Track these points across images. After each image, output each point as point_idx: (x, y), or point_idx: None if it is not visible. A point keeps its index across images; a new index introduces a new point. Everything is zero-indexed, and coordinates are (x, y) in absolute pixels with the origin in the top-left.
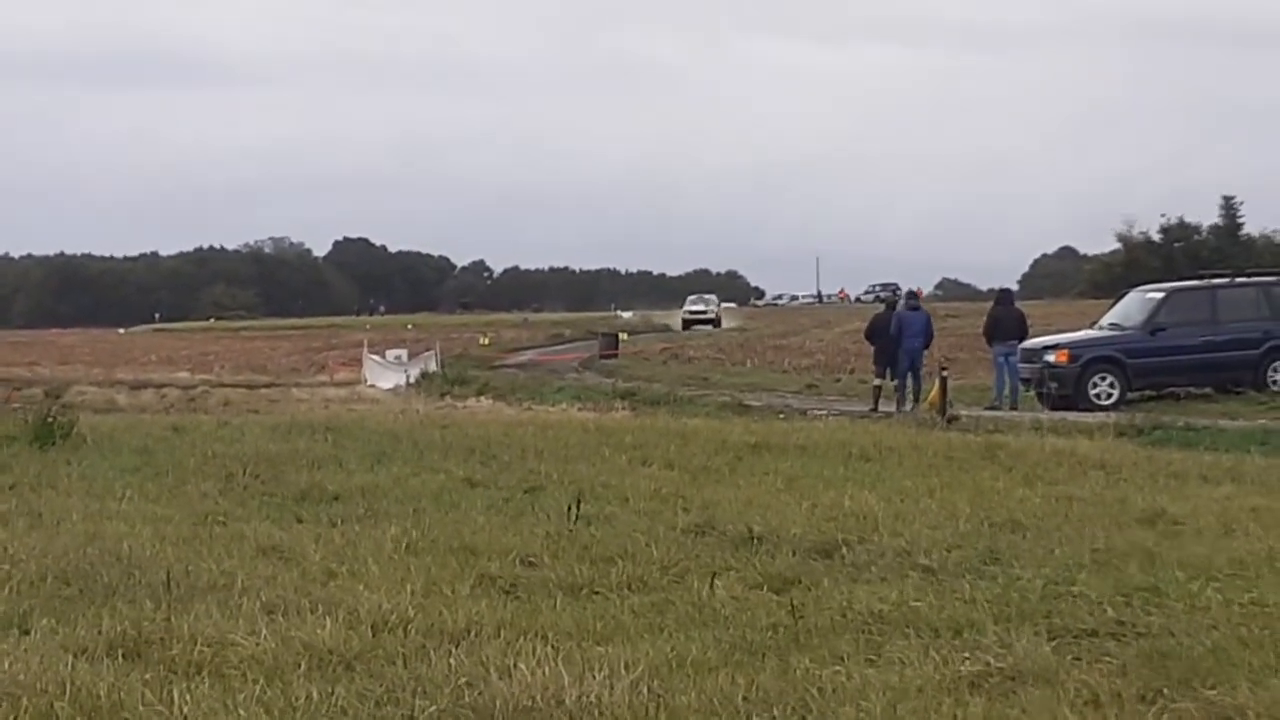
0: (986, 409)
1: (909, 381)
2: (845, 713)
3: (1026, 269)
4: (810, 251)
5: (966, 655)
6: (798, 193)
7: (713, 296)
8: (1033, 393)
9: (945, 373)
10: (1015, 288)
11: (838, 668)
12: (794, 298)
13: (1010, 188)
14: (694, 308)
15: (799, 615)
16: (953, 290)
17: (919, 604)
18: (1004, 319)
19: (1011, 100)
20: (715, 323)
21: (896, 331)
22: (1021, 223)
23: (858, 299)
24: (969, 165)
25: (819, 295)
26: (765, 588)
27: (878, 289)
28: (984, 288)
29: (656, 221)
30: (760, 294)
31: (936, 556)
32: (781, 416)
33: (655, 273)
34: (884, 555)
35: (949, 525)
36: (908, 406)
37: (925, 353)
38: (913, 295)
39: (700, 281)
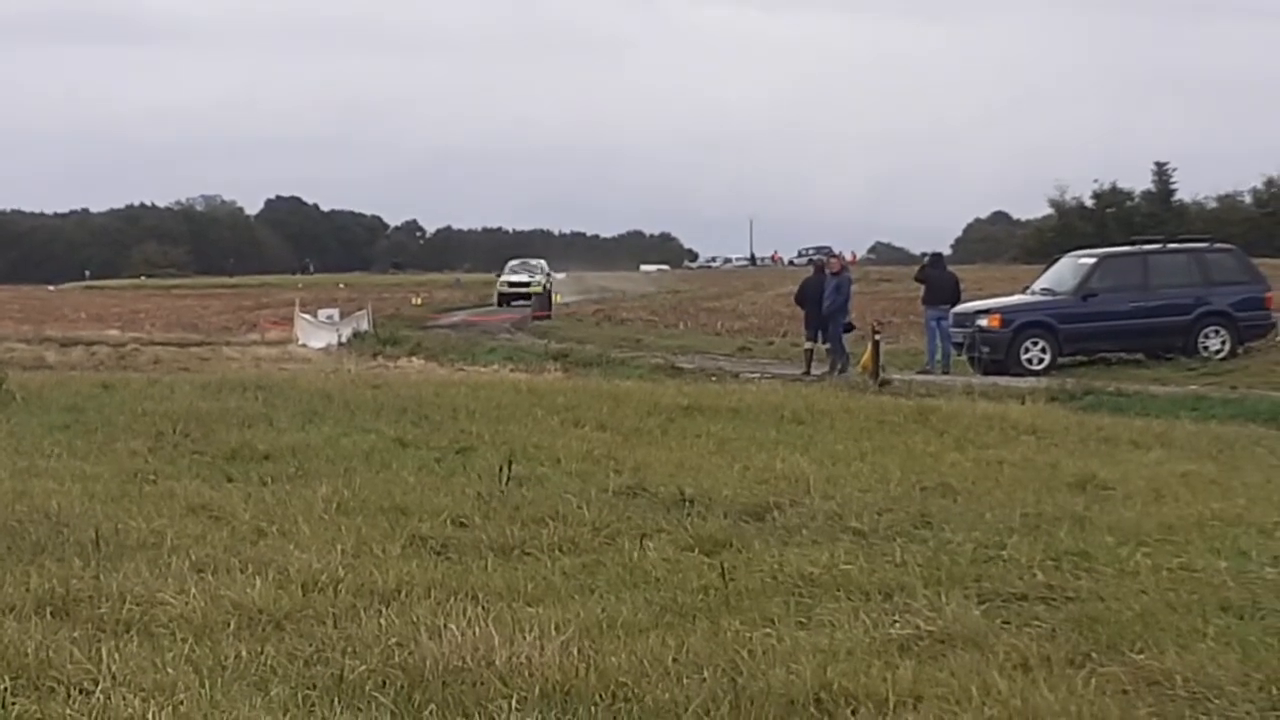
0: (918, 373)
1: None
2: (775, 675)
3: (959, 233)
4: (744, 214)
5: (896, 618)
6: (733, 157)
7: (540, 263)
8: (965, 357)
9: (878, 336)
10: (949, 252)
11: (768, 630)
12: (727, 260)
13: (944, 153)
14: (514, 277)
15: (730, 578)
16: (886, 254)
17: (850, 567)
18: (937, 282)
19: (946, 66)
20: (543, 300)
21: (846, 297)
22: (955, 187)
23: (791, 262)
24: (903, 130)
25: (752, 258)
26: (696, 550)
27: (810, 252)
28: (917, 251)
29: (592, 184)
30: (694, 256)
31: (868, 520)
32: (714, 379)
33: (589, 234)
34: (815, 518)
35: (880, 489)
36: (841, 371)
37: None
38: (827, 261)
39: (635, 244)
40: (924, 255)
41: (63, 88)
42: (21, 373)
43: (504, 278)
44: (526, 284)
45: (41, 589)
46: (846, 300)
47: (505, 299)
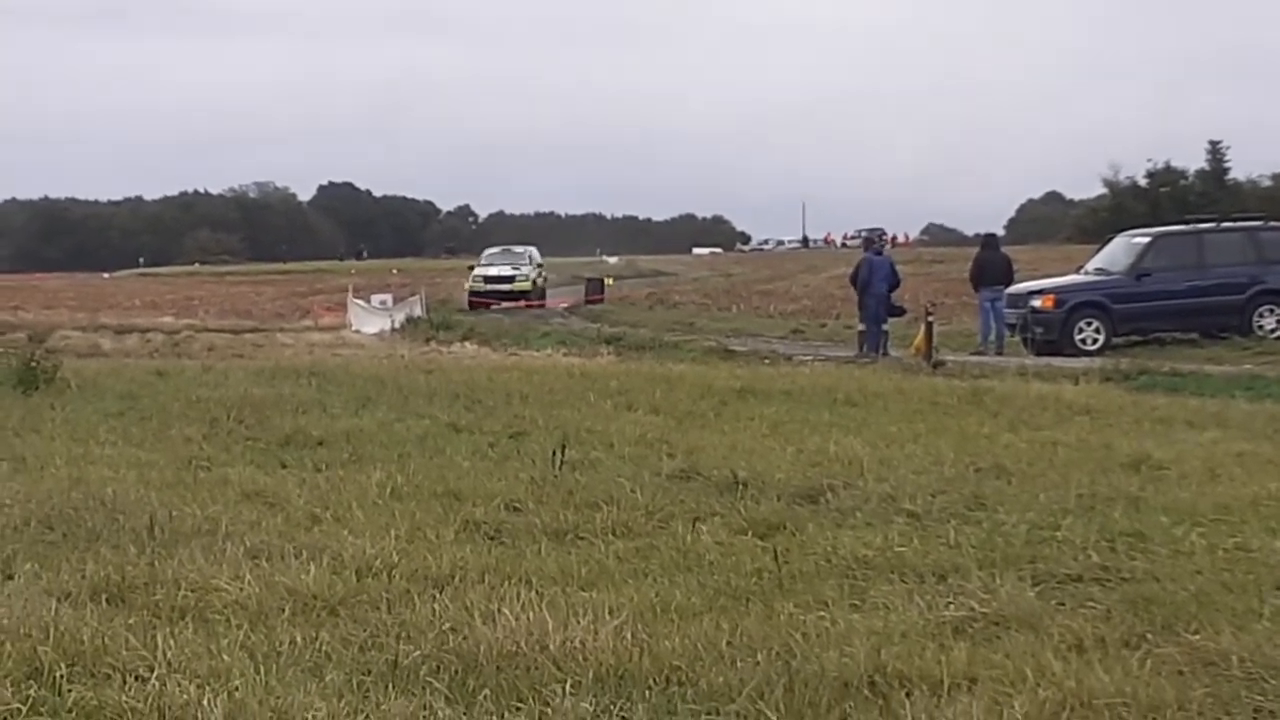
0: (972, 354)
1: (878, 326)
2: (829, 657)
3: (1013, 214)
4: (797, 197)
5: (950, 600)
6: (784, 138)
7: (529, 250)
8: (1018, 338)
9: (931, 318)
10: (1001, 233)
11: (822, 613)
12: (780, 243)
13: (997, 133)
14: (490, 269)
15: (783, 560)
16: (939, 235)
17: (904, 549)
18: (990, 264)
19: (998, 46)
20: (531, 294)
21: (867, 277)
22: (1008, 168)
23: (844, 244)
24: (956, 111)
25: (805, 240)
26: (750, 533)
27: (864, 234)
28: (970, 233)
29: (643, 167)
30: (746, 239)
31: (921, 502)
32: (767, 362)
33: (641, 218)
34: (869, 501)
35: (934, 471)
36: (879, 352)
37: (894, 296)
38: (872, 241)
39: (687, 227)
40: (977, 236)
41: (115, 76)
42: (76, 360)
43: (478, 270)
44: (509, 278)
45: (97, 576)
46: (882, 281)
47: (479, 299)
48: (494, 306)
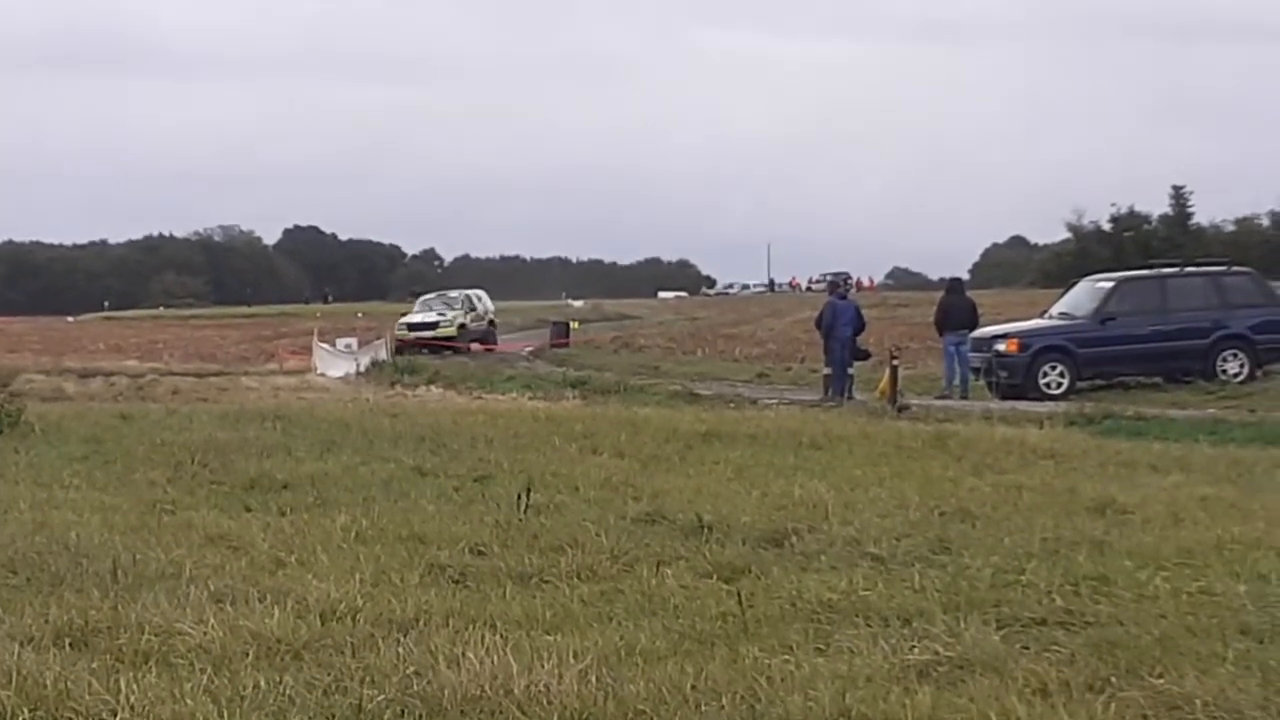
0: (937, 398)
1: (843, 371)
2: (794, 701)
3: (977, 258)
4: (762, 240)
5: (915, 644)
6: (750, 182)
7: (465, 295)
8: (983, 382)
9: (896, 362)
10: (966, 277)
11: (787, 657)
12: (745, 286)
13: (961, 178)
14: (415, 317)
15: (748, 604)
16: (904, 279)
17: (868, 593)
18: (955, 308)
19: (962, 91)
20: (459, 338)
21: (831, 322)
22: (972, 212)
23: (809, 288)
24: (920, 155)
25: (771, 284)
26: (715, 576)
27: (829, 278)
28: (935, 276)
29: (609, 211)
30: (712, 283)
31: (886, 545)
32: (732, 405)
33: (607, 261)
34: (834, 544)
35: (899, 514)
36: (844, 396)
37: (859, 340)
38: (837, 285)
39: (652, 270)
40: (942, 280)
41: (80, 118)
42: (40, 404)
43: (403, 318)
44: (432, 324)
45: (60, 620)
46: (847, 325)
47: (406, 345)
48: (423, 351)
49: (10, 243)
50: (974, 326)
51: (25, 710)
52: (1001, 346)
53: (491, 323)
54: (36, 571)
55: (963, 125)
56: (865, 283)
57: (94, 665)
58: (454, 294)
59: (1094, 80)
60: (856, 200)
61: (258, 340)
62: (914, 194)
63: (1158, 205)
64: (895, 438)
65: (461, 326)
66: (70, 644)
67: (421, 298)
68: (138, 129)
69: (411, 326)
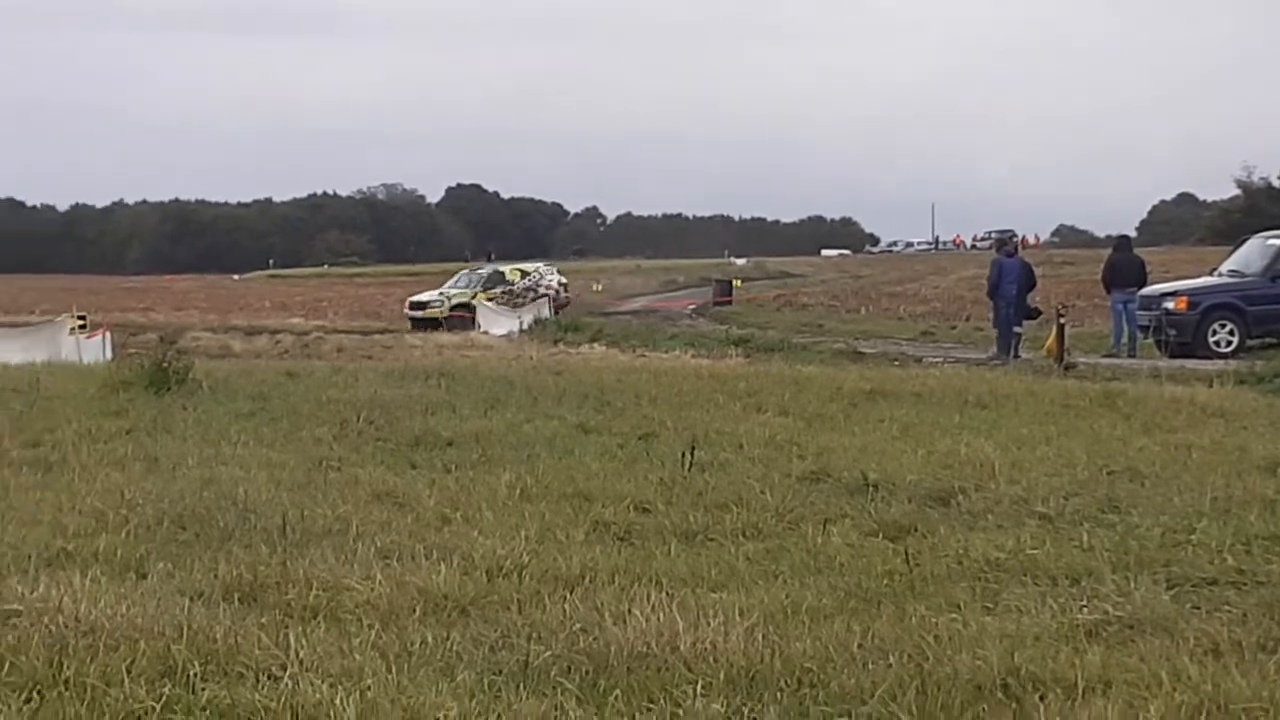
0: (1104, 356)
1: (1009, 328)
2: (961, 660)
3: (1145, 216)
4: (926, 197)
5: (1084, 603)
6: (914, 139)
7: (495, 270)
8: (1151, 340)
9: (1063, 320)
10: (1134, 234)
11: (954, 615)
12: (909, 244)
13: (1129, 134)
14: (419, 295)
15: (914, 563)
16: (1069, 237)
17: (1036, 552)
18: (1123, 266)
19: (1131, 46)
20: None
21: (996, 280)
22: (1139, 169)
23: (973, 245)
24: (1087, 111)
25: (935, 242)
26: (880, 535)
27: (994, 235)
28: (1101, 234)
29: (772, 169)
30: (875, 241)
31: (1054, 504)
32: (896, 363)
33: (769, 219)
34: (1000, 503)
35: (1066, 473)
36: (1010, 354)
37: (1030, 298)
38: (1004, 243)
39: (815, 229)
40: (1109, 238)
41: (245, 79)
42: (207, 361)
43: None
44: (423, 304)
45: (230, 575)
46: (1012, 284)
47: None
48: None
49: (176, 201)
50: (1142, 284)
51: (196, 663)
52: (1170, 304)
53: (560, 288)
54: (205, 527)
55: (1131, 80)
56: (1030, 240)
57: (263, 620)
58: (485, 270)
59: (1267, 33)
60: (1022, 157)
61: None
62: (1080, 151)
63: None
64: (1062, 396)
65: (461, 306)
66: (239, 599)
67: (460, 272)
68: (302, 88)
69: (412, 305)
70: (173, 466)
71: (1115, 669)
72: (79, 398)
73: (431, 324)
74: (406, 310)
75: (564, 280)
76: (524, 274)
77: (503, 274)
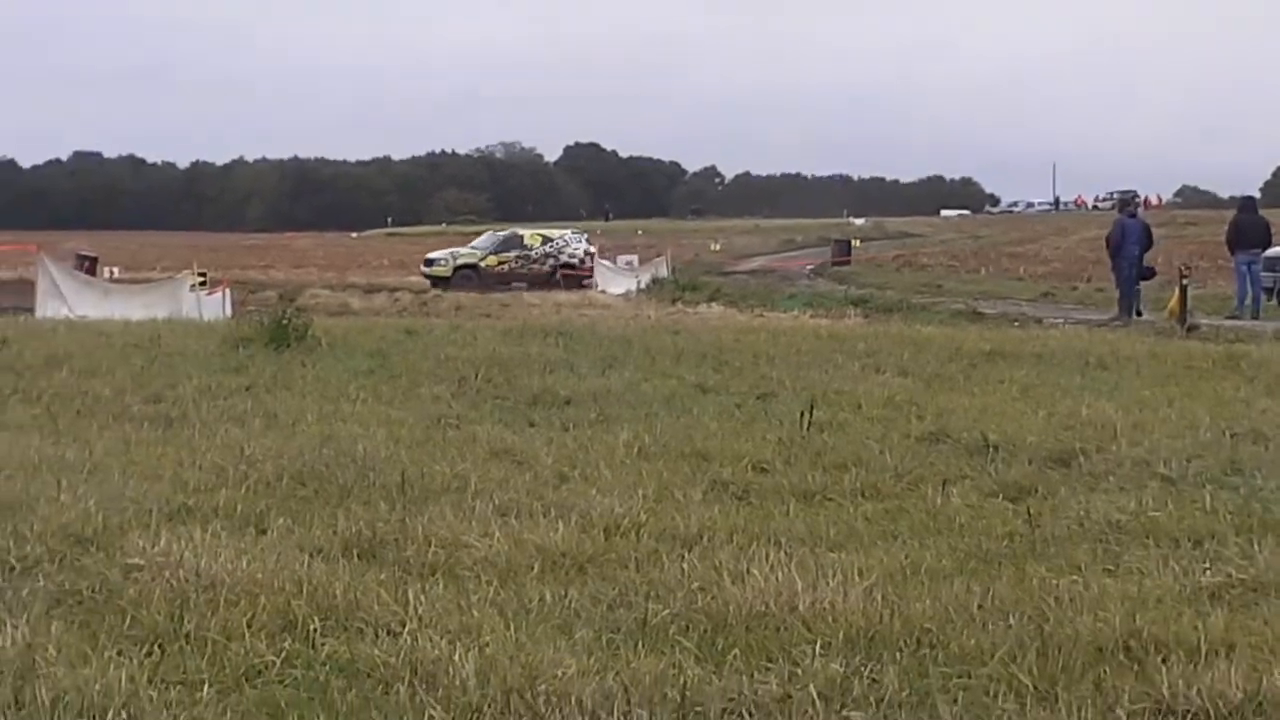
0: (1227, 318)
1: (1130, 289)
2: (1083, 622)
3: (1269, 177)
4: (1047, 158)
5: (1207, 566)
6: (1035, 99)
7: (513, 234)
8: (1275, 302)
9: (1185, 281)
10: (1258, 195)
11: (1075, 577)
12: (1029, 205)
13: (1253, 94)
14: (437, 253)
15: (1035, 524)
16: (1192, 198)
17: (1158, 514)
18: (1247, 227)
19: (1250, 4)
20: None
21: (1119, 240)
22: (1265, 129)
23: (1095, 206)
24: (1210, 71)
25: (1056, 202)
26: (1000, 496)
27: (1116, 195)
28: (1224, 195)
29: (891, 128)
30: (995, 201)
31: (1176, 466)
32: (1016, 324)
33: (889, 179)
34: (1122, 465)
35: (1188, 435)
36: (1132, 315)
37: (1146, 258)
38: (1127, 203)
39: (935, 189)
40: (1232, 199)
41: (365, 35)
42: (326, 318)
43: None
44: (431, 262)
45: (349, 531)
46: (1134, 244)
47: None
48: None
49: (295, 159)
50: (1267, 246)
51: (316, 619)
52: None
53: (586, 256)
54: (324, 483)
55: (1254, 40)
56: (1153, 200)
57: (382, 576)
58: (504, 234)
59: None
60: (1144, 117)
61: None
62: (1204, 111)
63: None
64: (1184, 358)
65: (466, 267)
66: (358, 555)
67: (485, 233)
68: (421, 46)
69: (425, 261)
70: (292, 423)
71: (1238, 631)
72: (199, 354)
73: (441, 281)
74: (421, 267)
75: (591, 249)
76: (545, 239)
77: (521, 238)
